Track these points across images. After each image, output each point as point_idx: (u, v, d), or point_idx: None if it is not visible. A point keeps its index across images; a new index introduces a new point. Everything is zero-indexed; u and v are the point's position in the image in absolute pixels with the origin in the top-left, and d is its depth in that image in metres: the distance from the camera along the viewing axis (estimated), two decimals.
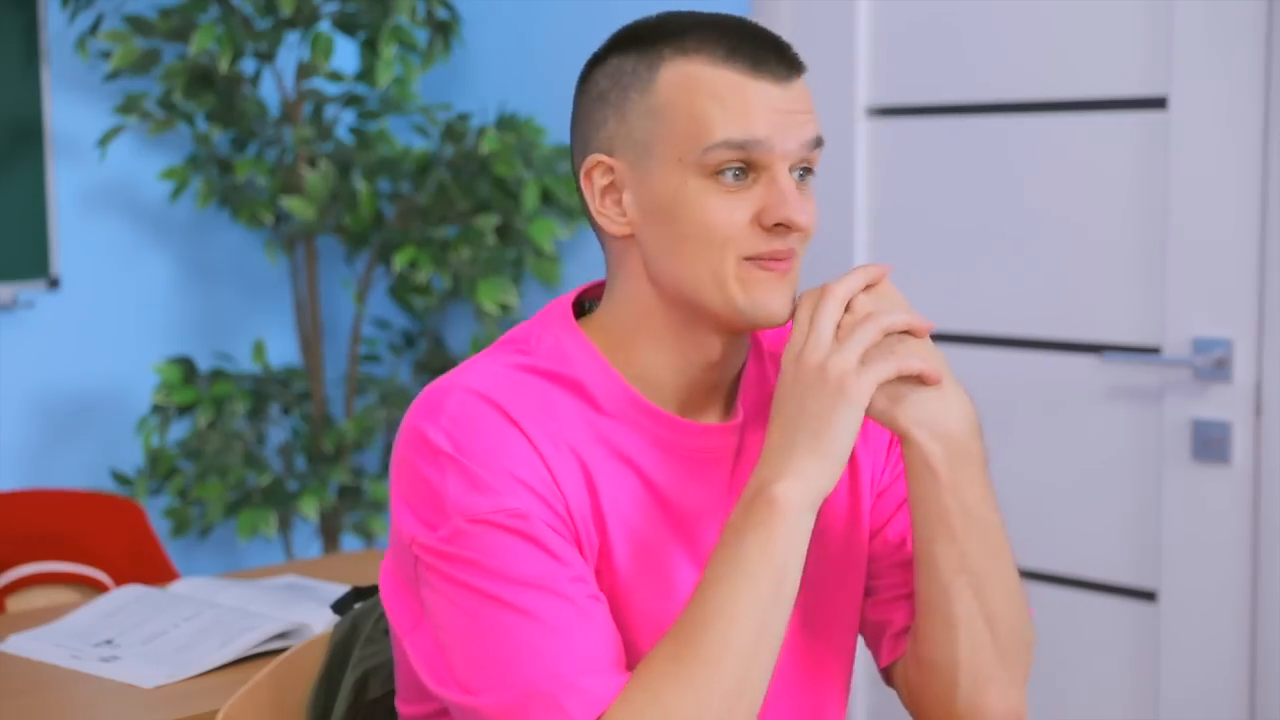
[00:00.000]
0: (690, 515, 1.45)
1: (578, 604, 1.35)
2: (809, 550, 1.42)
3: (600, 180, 1.43)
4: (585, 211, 1.46)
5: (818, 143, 1.43)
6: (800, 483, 1.35)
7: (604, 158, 1.42)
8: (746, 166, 1.39)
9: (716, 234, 1.39)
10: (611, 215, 1.43)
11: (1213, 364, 2.76)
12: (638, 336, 1.45)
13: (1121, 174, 2.88)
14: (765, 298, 1.41)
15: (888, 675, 1.59)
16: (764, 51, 1.40)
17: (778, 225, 1.40)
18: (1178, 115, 2.79)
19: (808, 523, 1.36)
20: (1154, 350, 2.87)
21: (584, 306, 1.53)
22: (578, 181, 1.46)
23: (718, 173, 1.39)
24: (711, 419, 1.49)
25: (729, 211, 1.39)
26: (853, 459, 1.55)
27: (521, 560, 1.34)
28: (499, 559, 1.34)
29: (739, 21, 1.43)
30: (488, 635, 1.34)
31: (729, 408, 1.51)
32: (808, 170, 1.44)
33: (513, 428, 1.38)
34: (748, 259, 1.40)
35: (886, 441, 1.58)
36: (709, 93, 1.38)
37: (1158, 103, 2.84)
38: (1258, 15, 2.69)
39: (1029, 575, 3.06)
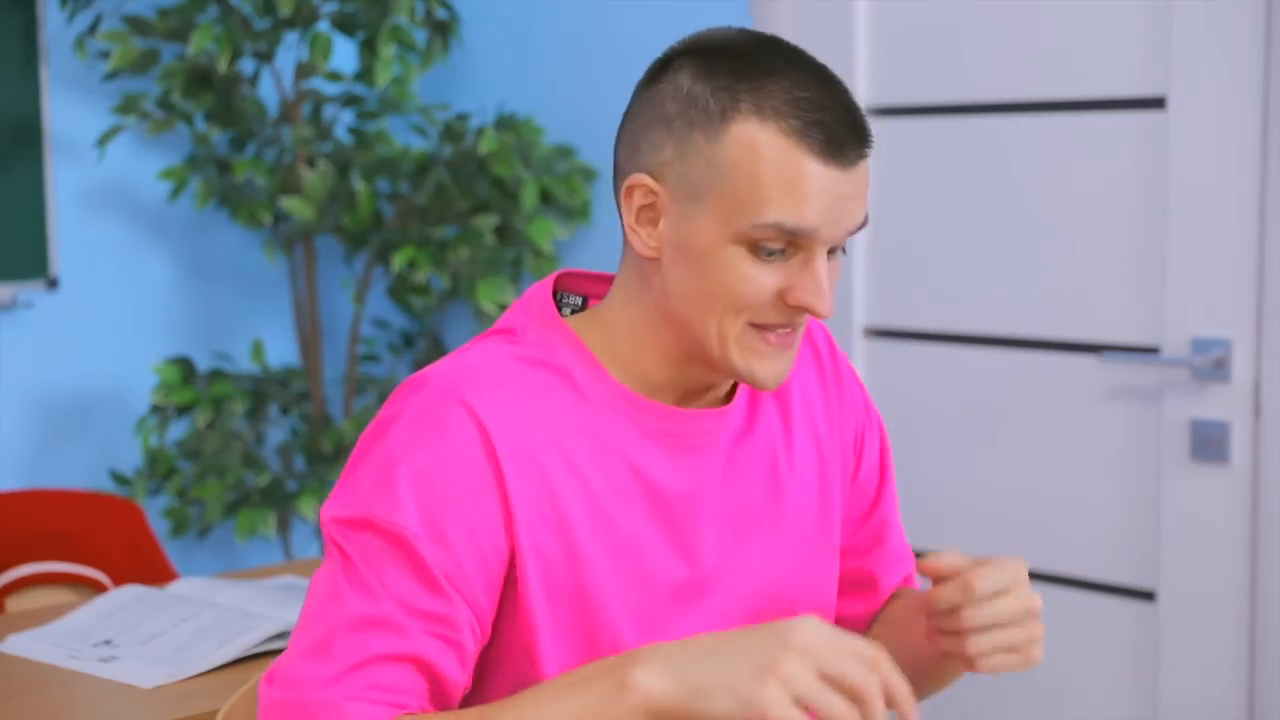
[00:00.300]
0: (679, 502, 1.46)
1: (410, 634, 1.33)
2: (785, 537, 1.48)
3: (640, 200, 1.42)
4: (619, 217, 1.45)
5: (862, 225, 1.42)
6: (664, 691, 1.26)
7: (649, 181, 1.41)
8: (787, 244, 1.38)
9: (738, 300, 1.38)
10: (643, 236, 1.42)
11: (1211, 364, 2.76)
12: (640, 339, 1.46)
13: (1121, 174, 2.88)
14: (761, 366, 1.41)
15: None
16: (840, 132, 1.36)
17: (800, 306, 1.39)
18: (1177, 115, 2.79)
19: None
20: (1153, 350, 2.87)
21: (560, 297, 1.54)
22: (616, 182, 1.46)
23: (758, 244, 1.37)
24: (707, 406, 1.50)
25: (757, 281, 1.38)
26: (818, 442, 1.56)
27: (386, 572, 1.34)
28: (369, 562, 1.35)
29: (824, 85, 1.38)
30: (321, 620, 1.34)
31: (728, 394, 1.52)
32: (841, 248, 1.44)
33: (475, 435, 1.38)
34: (756, 325, 1.40)
35: (852, 437, 1.60)
36: (773, 167, 1.36)
37: (1157, 103, 2.85)
38: (1257, 15, 2.69)
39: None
